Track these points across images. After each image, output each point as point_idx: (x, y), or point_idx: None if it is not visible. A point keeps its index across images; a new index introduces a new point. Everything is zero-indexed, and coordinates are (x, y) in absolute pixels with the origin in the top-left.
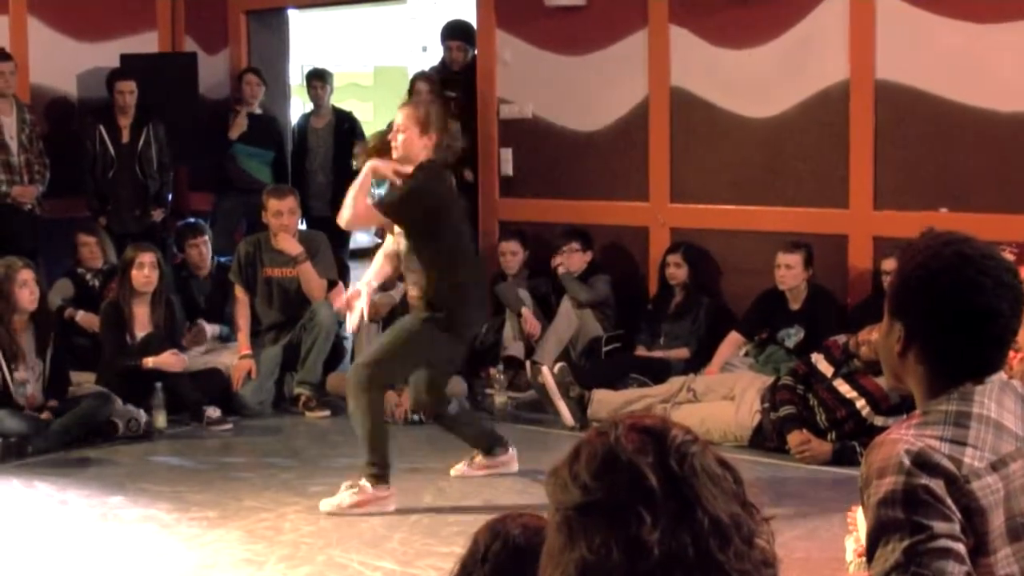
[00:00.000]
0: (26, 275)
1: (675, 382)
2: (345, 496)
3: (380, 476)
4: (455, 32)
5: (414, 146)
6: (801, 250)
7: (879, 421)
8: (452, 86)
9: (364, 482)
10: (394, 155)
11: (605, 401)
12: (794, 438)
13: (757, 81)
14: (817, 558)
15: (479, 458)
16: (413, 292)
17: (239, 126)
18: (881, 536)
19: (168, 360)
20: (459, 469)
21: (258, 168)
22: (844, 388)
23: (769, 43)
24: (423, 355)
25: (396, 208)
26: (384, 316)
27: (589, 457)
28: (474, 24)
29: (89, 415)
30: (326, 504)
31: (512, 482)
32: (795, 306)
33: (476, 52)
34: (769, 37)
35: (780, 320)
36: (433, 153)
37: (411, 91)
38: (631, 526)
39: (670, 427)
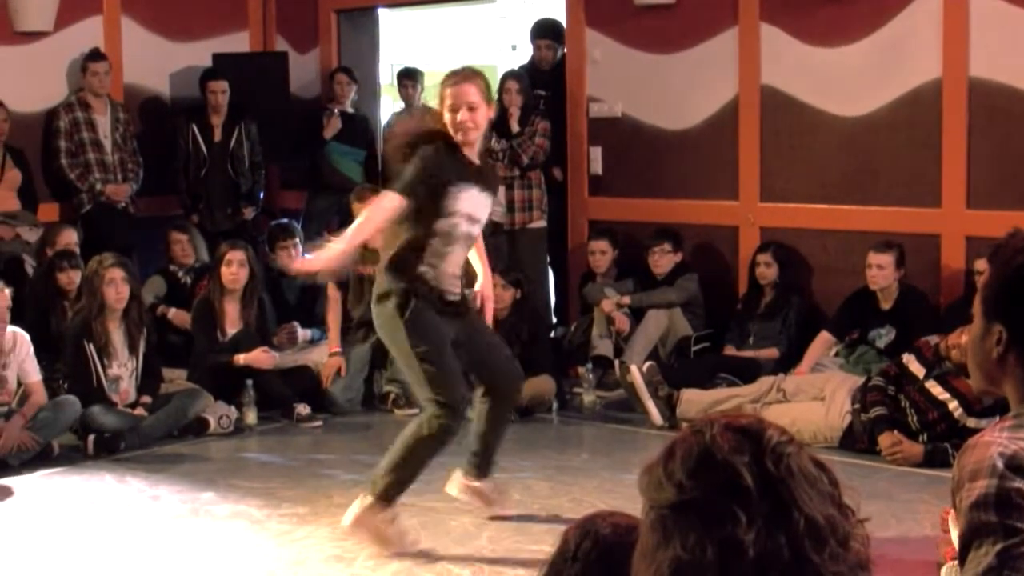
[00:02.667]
0: (114, 273)
1: (765, 382)
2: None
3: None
4: (544, 31)
5: (484, 122)
6: (893, 250)
7: (971, 423)
8: (541, 85)
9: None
10: (469, 136)
11: (694, 401)
12: (885, 439)
13: (849, 79)
14: (909, 560)
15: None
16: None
17: (333, 126)
18: (974, 540)
19: (259, 357)
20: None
21: (351, 167)
22: (936, 390)
23: (861, 41)
24: None
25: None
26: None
27: (684, 455)
28: (563, 23)
29: (181, 411)
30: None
31: (600, 481)
32: (886, 306)
33: (565, 51)
34: (861, 35)
35: (871, 320)
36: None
37: (501, 89)
38: (726, 526)
39: (766, 427)
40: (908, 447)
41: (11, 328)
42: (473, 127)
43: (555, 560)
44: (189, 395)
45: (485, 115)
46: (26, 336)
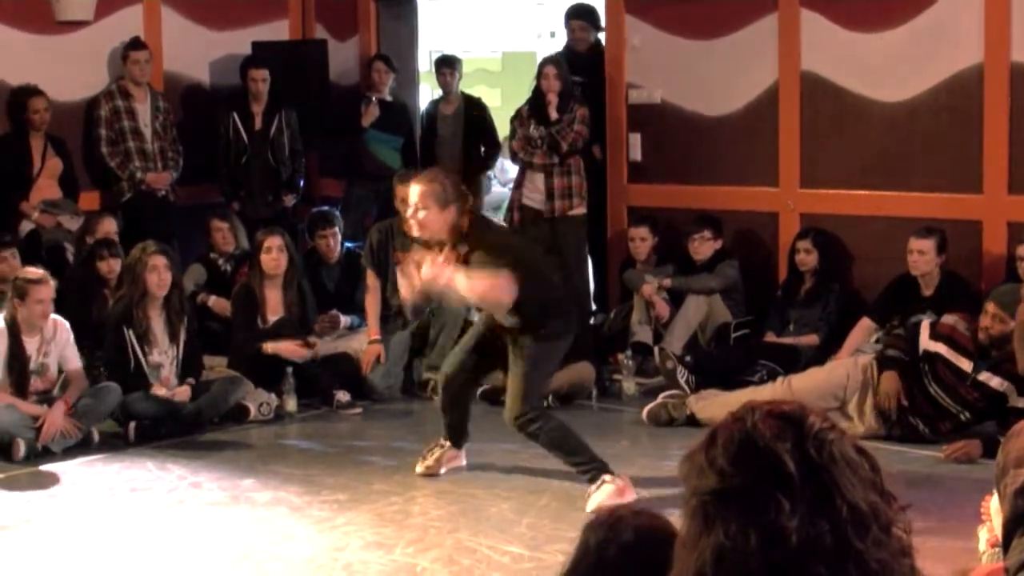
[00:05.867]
0: (156, 260)
1: (776, 388)
2: (602, 494)
3: (604, 468)
4: (578, 12)
5: (435, 223)
6: (934, 235)
7: (1022, 403)
8: (579, 71)
9: (607, 478)
10: (414, 232)
11: (706, 414)
12: (947, 449)
13: (889, 65)
14: (950, 547)
15: (450, 450)
16: (507, 323)
17: (371, 114)
18: (1018, 526)
19: (292, 350)
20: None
21: (388, 154)
22: (995, 382)
23: (901, 26)
24: (552, 367)
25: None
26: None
27: (726, 442)
28: (600, 8)
29: (221, 398)
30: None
31: (639, 469)
32: (927, 292)
33: (600, 34)
34: (901, 20)
35: (912, 307)
36: (451, 226)
37: (539, 75)
38: (768, 513)
39: (808, 413)
40: (970, 446)
41: (51, 316)
42: (416, 226)
43: (577, 564)
44: (229, 382)
45: (436, 216)
46: (66, 323)
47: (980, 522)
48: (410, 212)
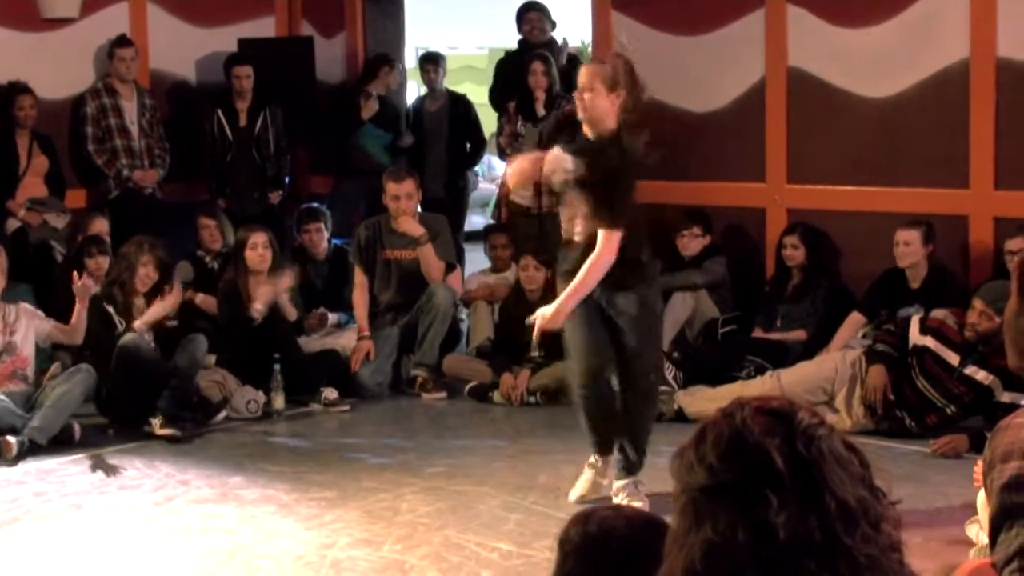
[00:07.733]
0: (147, 259)
1: (766, 383)
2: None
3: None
4: (536, 5)
5: (601, 106)
6: (920, 227)
7: (1007, 398)
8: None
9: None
10: (579, 116)
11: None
12: (934, 444)
13: (876, 60)
14: (937, 540)
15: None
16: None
17: (371, 108)
18: (1005, 521)
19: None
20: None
21: (379, 151)
22: (981, 375)
23: (888, 21)
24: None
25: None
26: (502, 298)
27: (716, 439)
28: (585, 8)
29: (192, 359)
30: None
31: None
32: (915, 285)
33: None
34: (888, 15)
35: (900, 300)
36: (620, 114)
37: (527, 71)
38: (757, 509)
39: (797, 409)
40: (956, 440)
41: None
42: (581, 108)
43: (563, 562)
44: (189, 342)
45: (603, 99)
46: (23, 304)
47: (972, 507)
48: (577, 95)
